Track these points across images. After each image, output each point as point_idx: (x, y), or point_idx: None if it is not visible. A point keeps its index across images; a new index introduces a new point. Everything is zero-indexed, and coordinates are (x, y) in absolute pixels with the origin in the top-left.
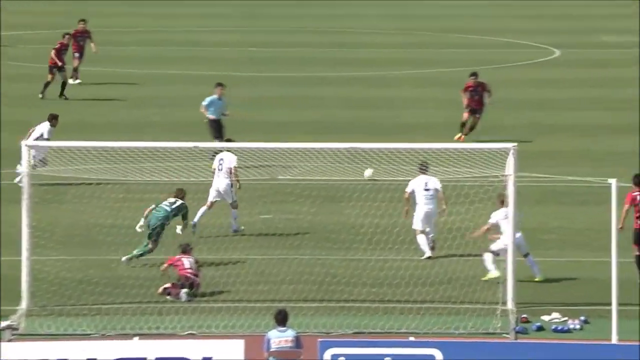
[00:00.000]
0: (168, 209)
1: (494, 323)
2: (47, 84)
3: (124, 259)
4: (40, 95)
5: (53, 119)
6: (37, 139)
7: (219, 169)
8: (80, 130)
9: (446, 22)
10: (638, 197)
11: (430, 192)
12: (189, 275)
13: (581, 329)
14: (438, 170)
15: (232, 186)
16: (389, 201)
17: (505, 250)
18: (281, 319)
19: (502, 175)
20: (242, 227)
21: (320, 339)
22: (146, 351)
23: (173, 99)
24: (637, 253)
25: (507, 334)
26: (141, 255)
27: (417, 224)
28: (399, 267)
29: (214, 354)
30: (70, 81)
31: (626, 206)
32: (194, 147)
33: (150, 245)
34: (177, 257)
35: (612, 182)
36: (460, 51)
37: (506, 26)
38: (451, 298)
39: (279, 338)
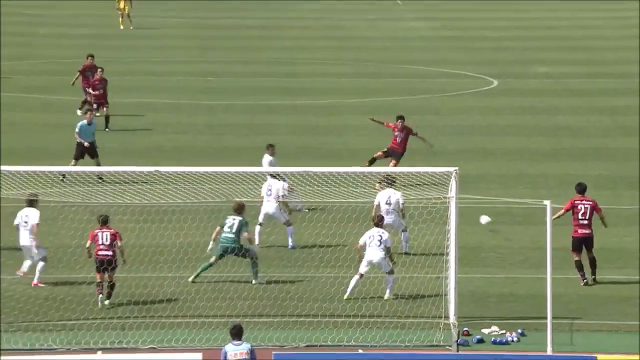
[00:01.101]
0: (231, 235)
1: (437, 336)
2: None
3: (192, 281)
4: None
5: None
6: None
7: (267, 195)
8: (46, 155)
9: (390, 54)
10: (579, 206)
11: (392, 206)
12: (102, 256)
13: (518, 341)
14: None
15: (280, 208)
16: (339, 222)
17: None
18: (236, 333)
19: (445, 197)
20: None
21: (275, 352)
22: None
23: (134, 126)
24: (577, 259)
25: (450, 346)
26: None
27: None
28: (348, 284)
29: None
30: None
31: (562, 211)
32: (155, 171)
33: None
34: (96, 230)
35: (547, 203)
36: (403, 80)
37: (447, 58)
38: (397, 312)
39: (235, 351)
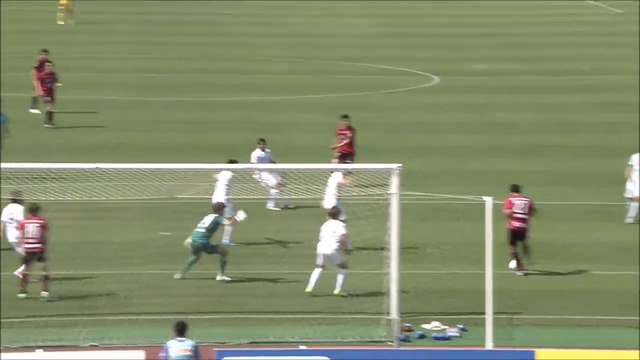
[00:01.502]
0: (201, 230)
1: (379, 332)
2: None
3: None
4: None
5: None
6: None
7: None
8: None
9: (333, 51)
10: (517, 202)
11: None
12: (30, 249)
13: (459, 336)
14: (314, 188)
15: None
16: (283, 218)
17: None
18: (180, 329)
19: (387, 194)
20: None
21: (217, 349)
22: None
23: (78, 123)
24: (513, 252)
25: (391, 342)
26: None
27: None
28: (290, 280)
29: None
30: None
31: (507, 211)
32: (96, 168)
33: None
34: (25, 221)
35: (487, 199)
36: (348, 77)
37: (388, 55)
38: (339, 309)
39: (178, 347)
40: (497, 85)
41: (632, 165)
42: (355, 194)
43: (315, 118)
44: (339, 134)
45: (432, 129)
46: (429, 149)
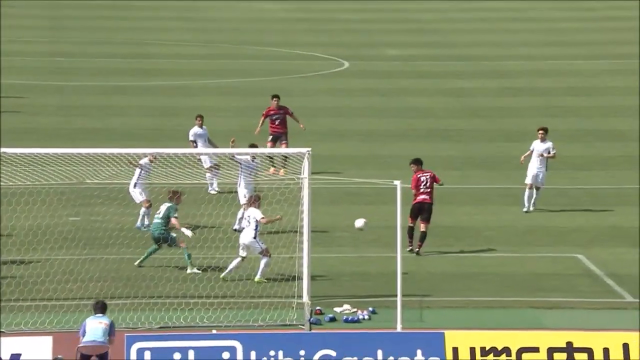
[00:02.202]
0: (158, 220)
1: (290, 315)
2: None
3: (139, 265)
4: None
5: None
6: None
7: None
8: None
9: (243, 35)
10: (422, 178)
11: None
12: None
13: (369, 319)
14: (239, 172)
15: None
16: (198, 203)
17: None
18: (99, 307)
19: (298, 178)
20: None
21: (127, 334)
22: None
23: None
24: (410, 225)
25: (303, 325)
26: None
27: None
28: (201, 264)
29: (23, 351)
30: None
31: (414, 190)
32: (3, 152)
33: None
34: None
35: (397, 183)
36: (258, 62)
37: (298, 39)
38: (250, 292)
39: (95, 320)
40: (408, 70)
41: (531, 151)
42: (266, 178)
43: (225, 102)
44: (271, 113)
45: (343, 114)
46: (339, 133)
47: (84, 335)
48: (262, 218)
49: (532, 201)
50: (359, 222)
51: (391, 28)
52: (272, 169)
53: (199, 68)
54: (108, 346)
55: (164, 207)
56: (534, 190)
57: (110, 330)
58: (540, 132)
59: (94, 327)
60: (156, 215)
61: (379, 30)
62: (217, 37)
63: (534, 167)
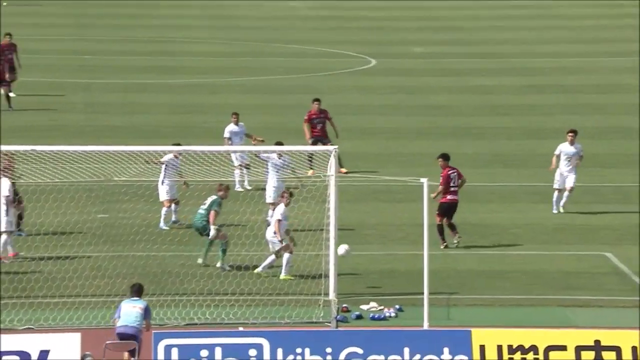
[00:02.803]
0: (201, 211)
1: (316, 313)
2: None
3: (202, 263)
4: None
5: None
6: None
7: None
8: None
9: (268, 33)
10: (451, 175)
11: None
12: None
13: (396, 316)
14: (266, 170)
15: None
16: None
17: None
18: (136, 290)
19: (325, 176)
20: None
21: (155, 331)
22: None
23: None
24: (439, 223)
25: (329, 322)
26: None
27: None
28: (227, 262)
29: (52, 347)
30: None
31: (441, 187)
32: (32, 150)
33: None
34: None
35: (424, 181)
36: (283, 60)
37: (324, 37)
38: (277, 289)
39: (130, 304)
40: (434, 67)
41: (558, 155)
42: (293, 176)
43: (250, 100)
44: (312, 117)
45: (369, 111)
46: (365, 130)
47: (119, 318)
48: (276, 220)
49: (562, 203)
50: (341, 249)
51: (417, 26)
52: (311, 171)
53: (224, 65)
54: (138, 334)
55: (209, 200)
56: (565, 193)
57: (146, 314)
58: (570, 134)
59: (128, 311)
60: (201, 206)
61: (406, 28)
62: (242, 35)
63: (562, 170)
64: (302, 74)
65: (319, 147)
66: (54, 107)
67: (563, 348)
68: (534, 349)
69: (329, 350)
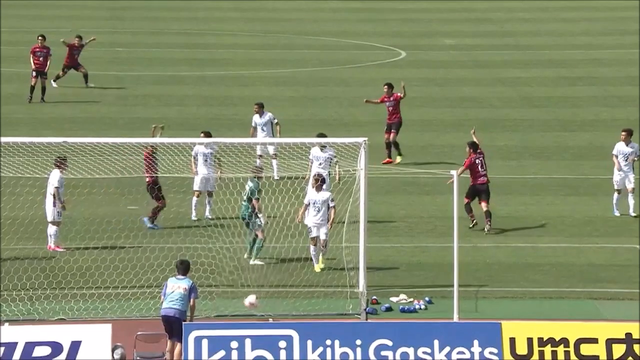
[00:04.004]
0: (243, 202)
1: (346, 305)
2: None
3: (247, 257)
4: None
5: None
6: None
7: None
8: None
9: (299, 25)
10: (477, 160)
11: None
12: None
13: (426, 308)
14: (295, 163)
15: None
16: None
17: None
18: (182, 268)
19: (354, 168)
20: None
21: (185, 323)
22: (17, 336)
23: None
24: (467, 201)
25: (359, 314)
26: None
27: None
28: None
29: (83, 338)
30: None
31: (462, 168)
32: (63, 142)
33: (259, 236)
34: None
35: (454, 173)
36: (313, 52)
37: (355, 29)
38: (307, 282)
39: (175, 284)
40: (464, 59)
41: (616, 155)
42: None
43: (282, 92)
44: (385, 101)
45: (400, 103)
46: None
47: (164, 296)
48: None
49: (631, 209)
50: (247, 301)
51: (448, 17)
52: (399, 158)
53: (256, 58)
54: (181, 316)
55: (247, 188)
56: (629, 195)
57: (190, 294)
58: (623, 133)
59: (172, 292)
60: (243, 197)
61: (436, 20)
62: (273, 27)
63: (620, 170)
64: (332, 66)
65: (347, 139)
66: (86, 99)
67: (594, 341)
68: (564, 341)
69: (358, 342)
